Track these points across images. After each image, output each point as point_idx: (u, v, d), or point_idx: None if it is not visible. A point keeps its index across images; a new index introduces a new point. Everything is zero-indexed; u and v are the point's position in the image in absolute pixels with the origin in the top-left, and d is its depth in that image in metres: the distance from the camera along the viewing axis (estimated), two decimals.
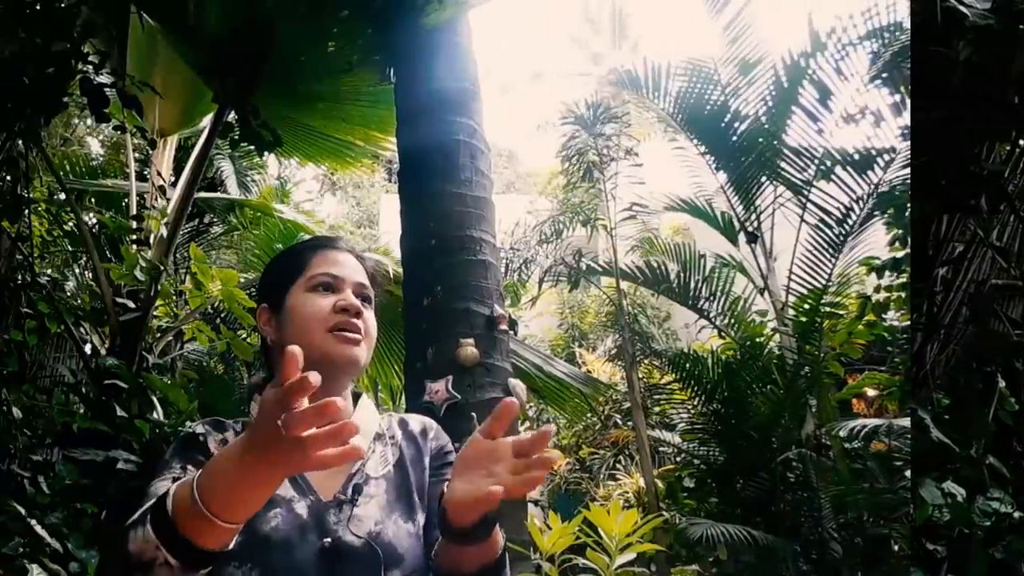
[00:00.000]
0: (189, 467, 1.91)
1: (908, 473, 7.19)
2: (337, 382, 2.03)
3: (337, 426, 1.35)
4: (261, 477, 1.45)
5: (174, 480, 1.78)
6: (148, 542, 1.50)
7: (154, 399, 5.76)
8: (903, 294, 8.13)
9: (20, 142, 5.03)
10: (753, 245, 9.83)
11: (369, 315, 2.11)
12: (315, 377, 1.33)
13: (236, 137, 6.74)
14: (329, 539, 1.87)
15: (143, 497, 1.77)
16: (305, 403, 1.34)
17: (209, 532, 1.47)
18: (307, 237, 9.88)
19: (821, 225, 8.94)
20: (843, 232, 8.80)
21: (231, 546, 1.55)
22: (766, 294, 9.71)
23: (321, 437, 1.34)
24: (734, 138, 9.71)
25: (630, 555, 6.41)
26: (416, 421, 2.28)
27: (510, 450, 1.67)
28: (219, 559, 1.54)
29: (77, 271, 9.29)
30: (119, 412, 5.25)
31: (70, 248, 8.07)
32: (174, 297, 7.95)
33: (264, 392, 1.43)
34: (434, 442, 2.25)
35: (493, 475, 1.65)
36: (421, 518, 2.08)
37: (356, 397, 2.20)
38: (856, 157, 8.67)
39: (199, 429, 2.06)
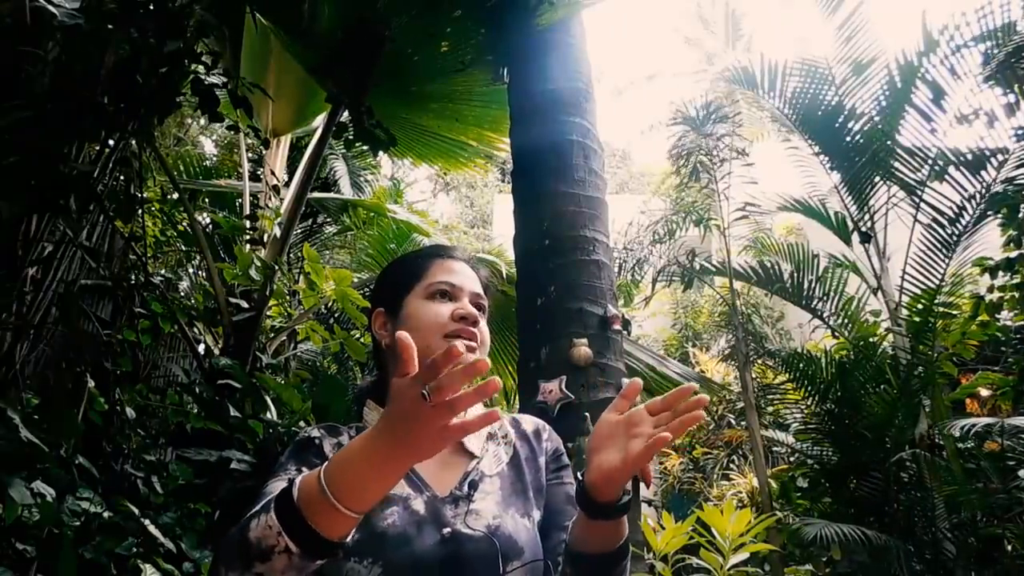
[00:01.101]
0: (304, 469, 1.96)
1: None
2: None
3: (485, 383, 1.42)
4: (392, 463, 1.51)
5: (289, 482, 1.89)
6: (271, 528, 1.56)
7: (268, 399, 5.72)
8: (1016, 294, 8.06)
9: (133, 142, 5.05)
10: (866, 245, 9.78)
11: (483, 325, 2.18)
12: (461, 345, 1.43)
13: (351, 137, 6.79)
14: (448, 530, 1.91)
15: (257, 497, 1.87)
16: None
17: (333, 520, 1.53)
18: (424, 241, 9.96)
19: (934, 225, 8.87)
20: (956, 232, 8.71)
21: (348, 541, 1.62)
22: (879, 294, 9.64)
23: (469, 395, 1.41)
24: (848, 138, 9.65)
25: (743, 555, 6.44)
26: (528, 422, 2.33)
27: (645, 413, 1.75)
28: (336, 550, 1.59)
29: (191, 271, 9.42)
30: (233, 412, 5.21)
31: (183, 248, 8.15)
32: (288, 297, 8.00)
33: (394, 383, 1.49)
34: (548, 443, 2.29)
35: (639, 436, 1.72)
36: (537, 515, 2.11)
37: None
38: (969, 157, 8.60)
39: (314, 433, 2.13)
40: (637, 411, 1.77)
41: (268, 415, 5.67)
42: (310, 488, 1.55)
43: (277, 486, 1.85)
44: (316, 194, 11.45)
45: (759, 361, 12.82)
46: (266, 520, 1.58)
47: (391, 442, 1.49)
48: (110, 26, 4.25)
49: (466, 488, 2.03)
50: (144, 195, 5.70)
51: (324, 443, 2.09)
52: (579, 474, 1.87)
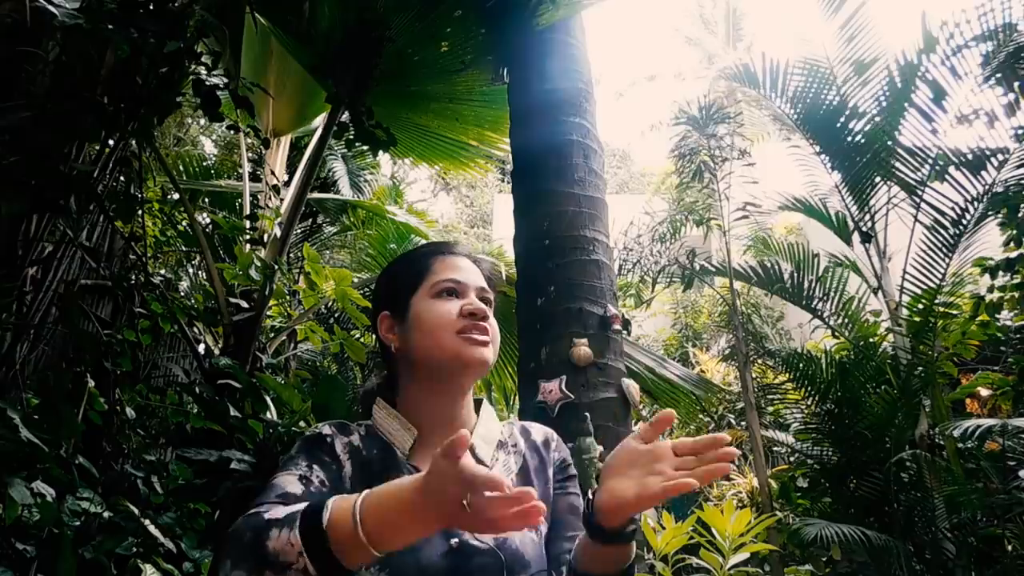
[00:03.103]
0: (315, 466, 1.96)
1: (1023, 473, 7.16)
2: (464, 383, 2.11)
3: (527, 507, 1.42)
4: (429, 525, 1.52)
5: (300, 479, 1.90)
6: (292, 546, 1.55)
7: (268, 399, 5.69)
8: (1017, 294, 8.06)
9: (133, 142, 5.06)
10: (867, 245, 9.78)
11: (492, 320, 2.16)
12: (507, 483, 1.42)
13: (351, 137, 6.79)
14: (456, 540, 1.89)
15: (267, 488, 1.88)
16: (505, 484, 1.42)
17: (359, 555, 1.54)
18: (421, 241, 9.96)
19: (935, 225, 8.87)
20: (957, 232, 8.72)
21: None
22: (880, 294, 9.65)
23: (510, 517, 1.41)
24: (849, 138, 9.65)
25: (743, 555, 6.43)
26: (538, 431, 2.29)
27: (670, 450, 1.72)
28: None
29: (191, 271, 9.44)
30: (232, 412, 5.17)
31: (183, 248, 8.18)
32: (288, 297, 7.98)
33: (436, 460, 1.47)
34: (556, 454, 2.26)
35: (659, 473, 1.68)
36: (545, 528, 2.09)
37: (477, 404, 2.24)
38: (969, 157, 8.60)
39: (326, 430, 2.10)
40: (662, 446, 1.73)
41: (268, 415, 5.66)
42: (342, 521, 1.54)
43: (287, 480, 1.89)
44: (316, 194, 11.45)
45: (759, 361, 12.82)
46: (288, 537, 1.57)
47: (426, 511, 1.50)
48: (110, 26, 4.25)
49: None
50: (144, 195, 5.69)
51: (335, 442, 2.07)
52: (590, 494, 1.84)
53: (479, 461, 2.06)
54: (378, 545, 1.51)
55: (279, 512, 1.66)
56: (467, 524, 1.48)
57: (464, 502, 1.42)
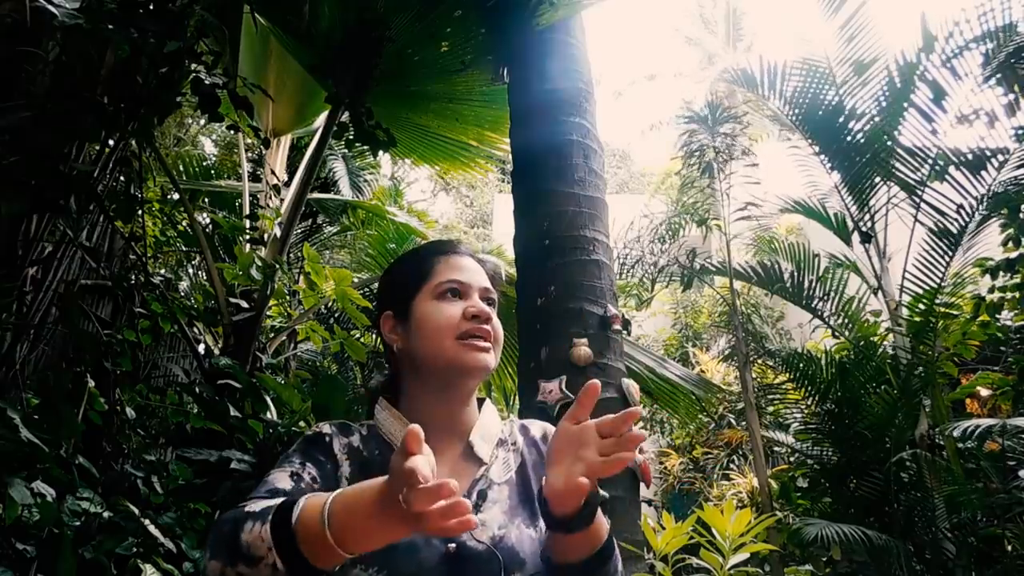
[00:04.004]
0: (308, 464, 1.98)
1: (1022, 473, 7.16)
2: (466, 387, 2.11)
3: (450, 503, 1.41)
4: (391, 528, 1.52)
5: (292, 475, 1.93)
6: (262, 541, 1.58)
7: (268, 399, 5.71)
8: (1017, 294, 8.05)
9: (133, 142, 5.08)
10: (867, 245, 9.77)
11: (496, 321, 2.14)
12: (453, 484, 1.41)
13: (351, 137, 6.78)
14: (454, 544, 1.88)
15: (258, 484, 1.91)
16: (428, 475, 1.42)
17: (326, 556, 1.56)
18: (421, 242, 9.96)
19: (936, 226, 8.86)
20: (958, 233, 8.69)
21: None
22: (880, 294, 9.64)
23: (436, 513, 1.40)
24: (848, 138, 9.63)
25: (744, 555, 6.43)
26: (537, 427, 2.28)
27: (595, 432, 1.74)
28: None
29: (191, 271, 9.43)
30: (233, 412, 5.20)
31: (183, 248, 8.16)
32: (288, 297, 7.99)
33: (393, 458, 1.49)
34: None
35: (581, 460, 1.72)
36: (543, 523, 2.04)
37: (480, 403, 2.23)
38: (969, 157, 8.60)
39: (326, 430, 2.11)
40: (587, 428, 1.76)
41: (268, 415, 5.66)
42: (310, 520, 1.56)
43: (279, 477, 1.92)
44: (316, 194, 11.45)
45: (759, 361, 12.81)
46: (260, 531, 1.60)
47: (386, 514, 1.51)
48: (110, 26, 4.25)
49: (474, 497, 2.01)
50: (144, 195, 5.70)
51: (334, 441, 2.07)
52: (543, 484, 1.86)
53: (478, 459, 2.09)
54: (345, 547, 1.53)
55: (259, 505, 1.69)
56: (411, 521, 1.46)
57: (400, 498, 1.42)
